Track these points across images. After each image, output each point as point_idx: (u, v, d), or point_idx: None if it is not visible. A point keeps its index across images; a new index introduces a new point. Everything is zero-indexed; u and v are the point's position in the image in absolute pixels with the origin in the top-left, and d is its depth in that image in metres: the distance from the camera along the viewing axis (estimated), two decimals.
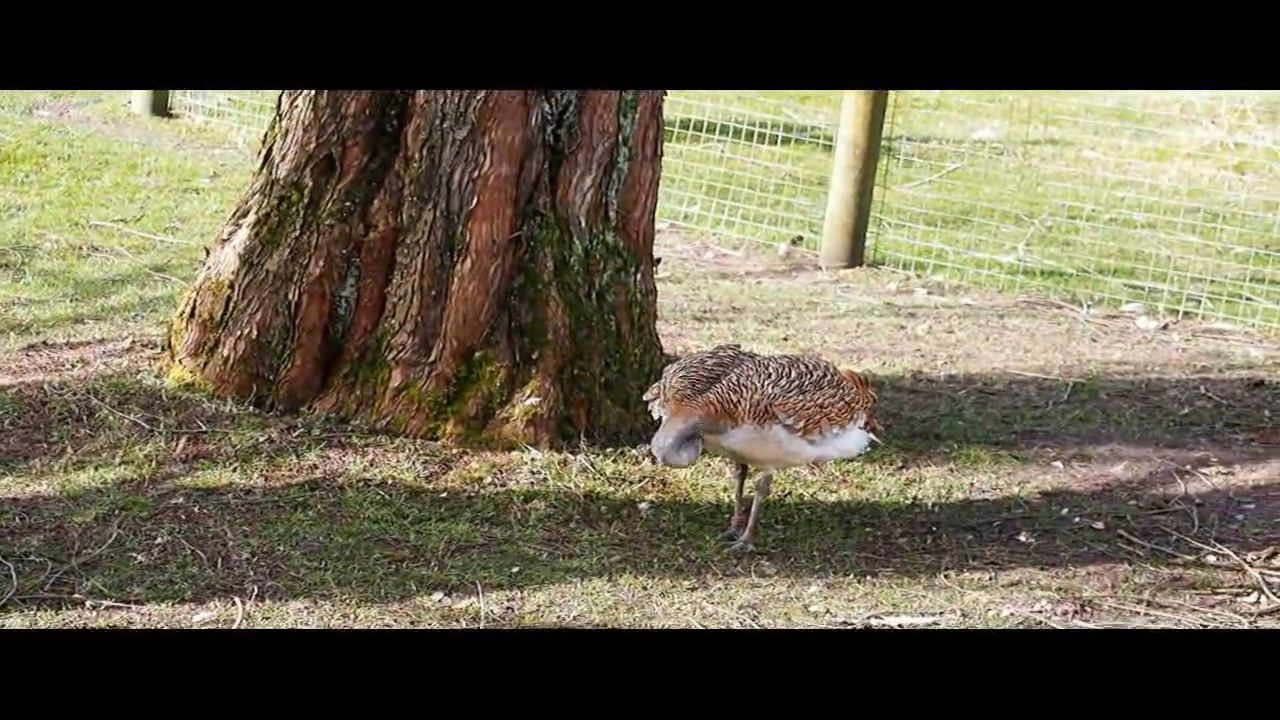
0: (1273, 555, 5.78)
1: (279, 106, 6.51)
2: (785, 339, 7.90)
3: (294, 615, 4.99)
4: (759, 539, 5.69)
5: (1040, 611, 5.26)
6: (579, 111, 6.36)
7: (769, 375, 5.55)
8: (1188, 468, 6.52)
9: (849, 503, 6.10)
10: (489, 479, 6.03)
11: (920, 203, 10.19)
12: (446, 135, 6.29)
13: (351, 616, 4.99)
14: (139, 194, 9.61)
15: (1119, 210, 10.23)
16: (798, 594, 5.31)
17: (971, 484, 6.30)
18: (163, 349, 6.74)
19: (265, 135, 6.62)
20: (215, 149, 10.95)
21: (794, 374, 5.58)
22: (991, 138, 12.13)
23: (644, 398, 5.87)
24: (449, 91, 6.24)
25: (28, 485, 5.76)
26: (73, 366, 6.70)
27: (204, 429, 6.18)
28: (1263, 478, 6.47)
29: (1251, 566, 5.69)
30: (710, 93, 11.06)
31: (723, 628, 5.03)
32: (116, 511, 5.60)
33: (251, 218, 6.49)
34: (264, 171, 6.52)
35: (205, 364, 6.47)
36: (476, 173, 6.29)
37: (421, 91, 6.28)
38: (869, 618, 5.14)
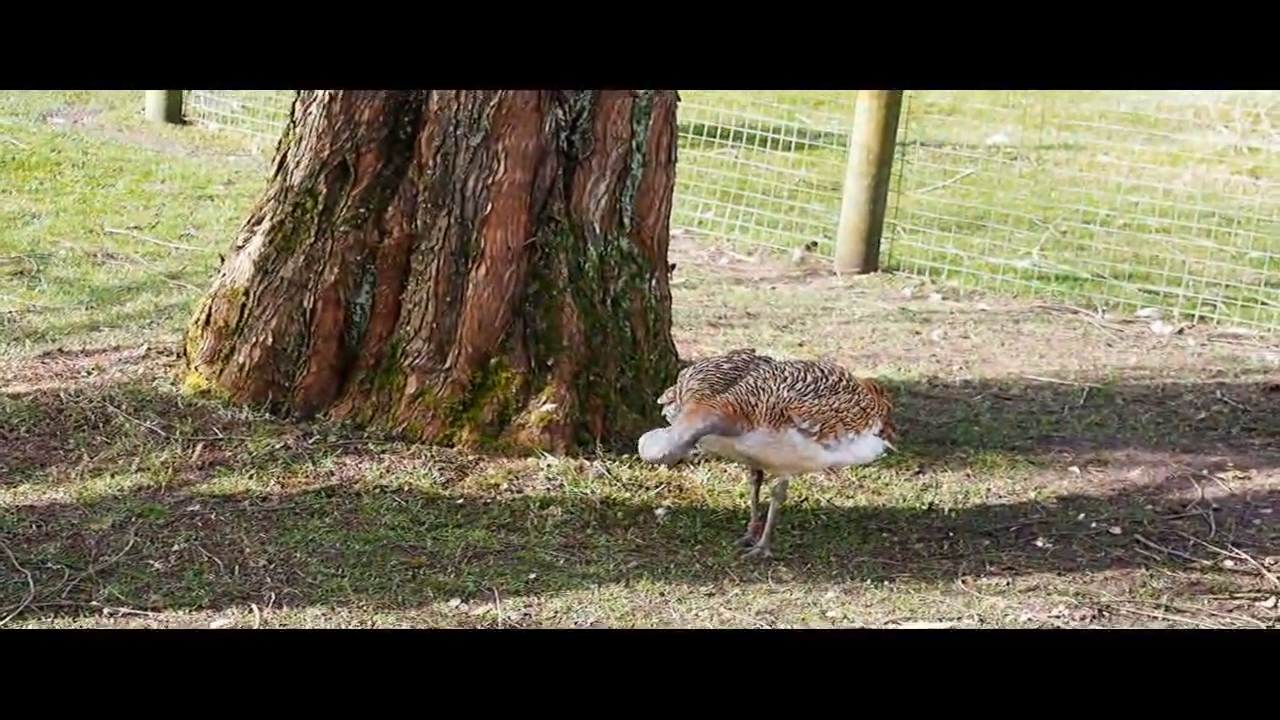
0: None
1: (293, 113, 6.52)
2: (800, 344, 7.89)
3: (311, 622, 4.98)
4: (776, 545, 5.68)
5: (1058, 617, 5.24)
6: (592, 117, 6.36)
7: (785, 379, 5.54)
8: (1204, 472, 6.51)
9: (865, 508, 6.09)
10: (505, 485, 6.02)
11: (934, 208, 10.18)
12: (460, 141, 6.29)
13: (368, 623, 4.99)
14: (153, 201, 9.62)
15: (1133, 215, 10.21)
16: (815, 600, 5.30)
17: (988, 489, 6.29)
18: (178, 356, 6.74)
19: (279, 142, 6.63)
20: (229, 155, 10.96)
21: (809, 378, 5.58)
22: (1005, 143, 12.12)
23: (659, 402, 5.86)
24: (463, 98, 6.25)
25: (44, 493, 5.76)
26: (89, 374, 6.70)
27: (220, 436, 6.19)
28: (1279, 482, 6.46)
29: (1269, 570, 5.67)
30: (723, 99, 11.07)
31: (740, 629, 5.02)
32: (133, 519, 5.60)
33: (266, 224, 6.49)
34: (278, 178, 6.52)
35: (221, 371, 6.48)
36: (491, 179, 6.29)
37: (435, 98, 6.28)
38: (886, 623, 5.13)
